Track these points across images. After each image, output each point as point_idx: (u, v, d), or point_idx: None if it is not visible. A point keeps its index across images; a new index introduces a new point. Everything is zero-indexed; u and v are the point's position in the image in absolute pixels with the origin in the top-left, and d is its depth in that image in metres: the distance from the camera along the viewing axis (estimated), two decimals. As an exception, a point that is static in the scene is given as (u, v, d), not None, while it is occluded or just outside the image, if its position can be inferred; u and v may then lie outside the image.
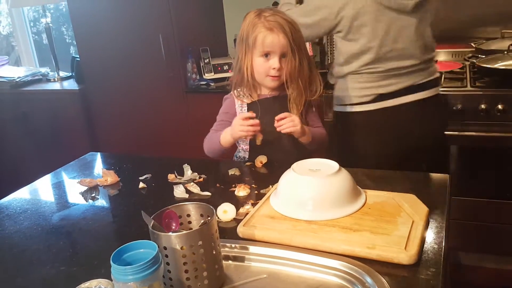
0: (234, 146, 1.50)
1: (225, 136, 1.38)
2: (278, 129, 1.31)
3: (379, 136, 1.60)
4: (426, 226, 0.96)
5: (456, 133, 1.92)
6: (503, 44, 2.08)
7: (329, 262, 0.88)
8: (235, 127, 1.32)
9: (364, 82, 1.58)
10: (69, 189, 1.41)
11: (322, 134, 1.44)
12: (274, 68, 1.33)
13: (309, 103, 1.42)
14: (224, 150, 1.41)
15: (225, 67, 2.46)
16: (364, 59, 1.55)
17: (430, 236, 0.94)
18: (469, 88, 1.92)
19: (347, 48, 1.57)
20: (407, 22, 1.53)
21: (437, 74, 1.68)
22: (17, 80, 2.94)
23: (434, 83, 1.64)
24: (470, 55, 2.21)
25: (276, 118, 1.31)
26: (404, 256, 0.85)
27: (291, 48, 1.32)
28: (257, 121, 1.31)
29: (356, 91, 1.59)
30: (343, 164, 1.08)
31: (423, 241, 0.91)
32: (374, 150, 1.59)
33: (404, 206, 1.02)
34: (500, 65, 1.91)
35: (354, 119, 1.62)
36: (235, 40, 2.39)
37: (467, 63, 2.17)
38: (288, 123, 1.30)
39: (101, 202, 1.30)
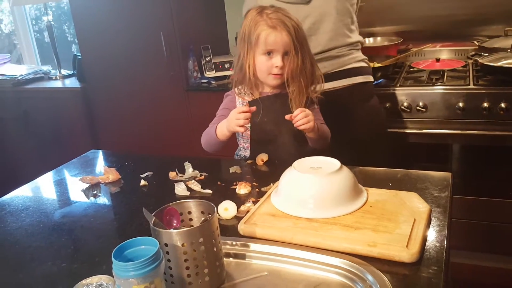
0: (234, 144, 1.51)
1: (221, 129, 1.37)
2: (295, 125, 1.29)
3: None
4: (428, 225, 0.96)
5: (458, 131, 1.92)
6: (506, 42, 2.07)
7: (330, 260, 0.88)
8: (231, 120, 1.31)
9: None
10: (70, 187, 1.41)
11: (327, 131, 1.43)
12: (276, 67, 1.32)
13: (311, 101, 1.41)
14: (220, 143, 1.40)
15: (227, 65, 2.46)
16: None
17: (432, 235, 0.94)
18: (472, 86, 1.91)
19: None
20: (307, 12, 1.61)
21: (360, 64, 1.68)
22: (19, 78, 2.95)
23: (349, 73, 1.65)
24: (473, 53, 2.20)
25: (292, 115, 1.29)
26: (406, 254, 0.85)
27: (294, 46, 1.31)
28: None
29: None
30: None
31: (424, 239, 0.91)
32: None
33: (406, 204, 1.02)
34: (503, 63, 1.90)
35: None
36: (236, 38, 2.39)
37: (470, 61, 2.17)
38: (303, 118, 1.28)
39: (103, 199, 1.30)
